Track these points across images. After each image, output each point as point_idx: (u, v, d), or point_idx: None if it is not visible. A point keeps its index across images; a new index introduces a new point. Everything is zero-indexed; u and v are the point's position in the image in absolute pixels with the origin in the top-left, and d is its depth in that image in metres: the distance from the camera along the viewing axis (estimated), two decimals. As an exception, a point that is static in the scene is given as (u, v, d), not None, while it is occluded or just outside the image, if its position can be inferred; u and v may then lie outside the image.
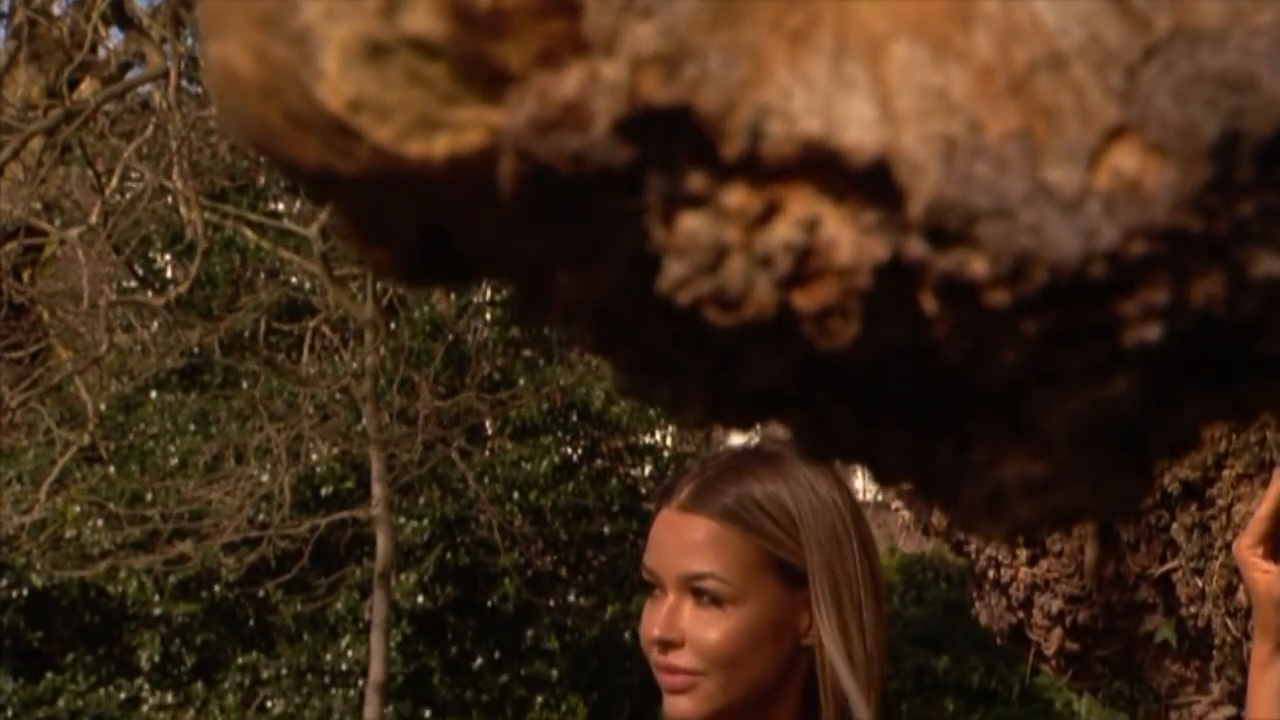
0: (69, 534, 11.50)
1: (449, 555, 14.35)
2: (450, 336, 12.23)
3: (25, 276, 7.94)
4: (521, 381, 13.46)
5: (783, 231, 0.39)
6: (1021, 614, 1.96)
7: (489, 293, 14.30)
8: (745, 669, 1.57)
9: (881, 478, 0.47)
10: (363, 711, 11.51)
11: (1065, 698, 14.99)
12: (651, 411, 16.03)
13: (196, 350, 10.93)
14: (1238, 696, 1.73)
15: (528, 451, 14.63)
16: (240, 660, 14.07)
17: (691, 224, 0.39)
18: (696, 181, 0.39)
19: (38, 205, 7.30)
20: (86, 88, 8.20)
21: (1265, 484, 1.69)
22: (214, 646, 14.12)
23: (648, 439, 16.13)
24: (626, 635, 15.17)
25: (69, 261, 9.37)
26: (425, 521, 13.97)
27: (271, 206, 12.69)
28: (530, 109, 0.39)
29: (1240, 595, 1.69)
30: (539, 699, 15.36)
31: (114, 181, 7.96)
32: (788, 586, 1.59)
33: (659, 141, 0.39)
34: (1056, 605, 1.90)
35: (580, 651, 15.65)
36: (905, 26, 0.38)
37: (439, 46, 0.38)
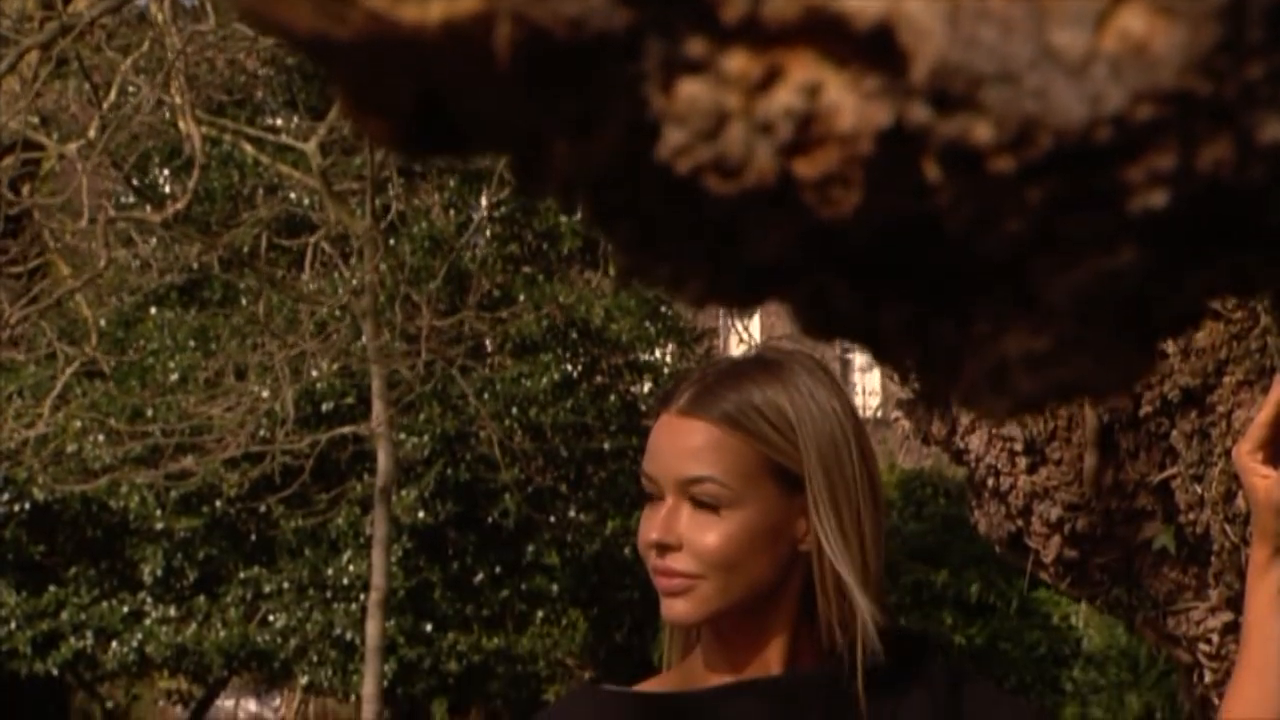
0: (70, 449, 11.52)
1: (449, 471, 14.39)
2: (450, 252, 12.20)
3: (24, 191, 7.91)
4: (521, 298, 13.45)
5: (783, 97, 0.38)
6: (1020, 522, 1.97)
7: (487, 209, 14.26)
8: (742, 573, 1.57)
9: (882, 356, 0.46)
10: (364, 625, 11.58)
11: (1063, 610, 15.08)
12: (651, 329, 16.03)
13: (196, 266, 10.91)
14: (1235, 602, 1.74)
15: (527, 368, 14.65)
16: (242, 575, 14.15)
17: (691, 90, 0.39)
18: (696, 46, 0.39)
19: (35, 119, 7.25)
20: (82, 1, 8.15)
21: (1265, 390, 1.68)
22: (216, 561, 14.20)
23: (647, 356, 16.15)
24: (626, 551, 15.25)
25: (67, 177, 9.34)
26: (426, 438, 14.00)
27: (270, 121, 12.63)
28: (526, -27, 0.38)
29: (1239, 501, 1.70)
30: (539, 613, 15.46)
31: (111, 95, 7.92)
32: (786, 492, 1.59)
33: (657, 5, 0.38)
34: (1055, 513, 1.90)
35: (580, 567, 15.74)
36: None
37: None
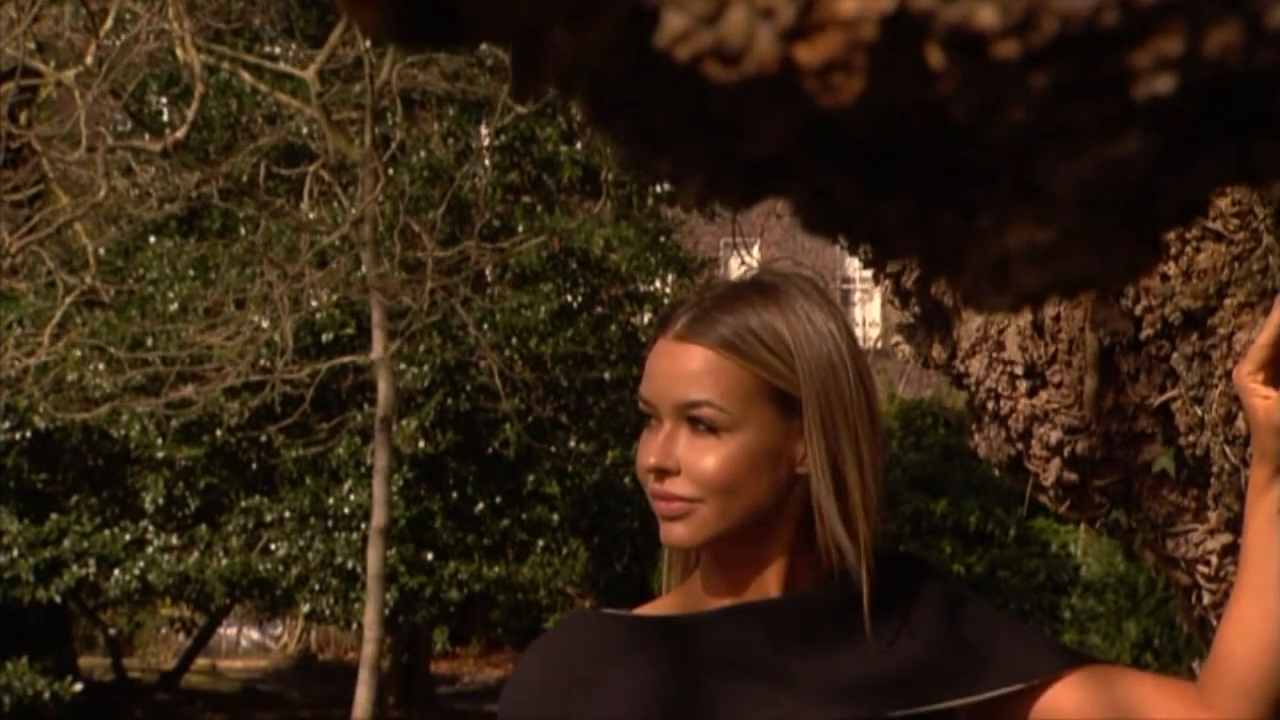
0: (71, 378, 11.53)
1: (449, 401, 14.42)
2: (450, 182, 12.16)
3: (21, 118, 7.86)
4: (521, 228, 13.42)
5: (786, -18, 0.38)
6: (1020, 445, 1.96)
7: (487, 138, 14.21)
8: (741, 496, 1.57)
9: (885, 252, 0.46)
10: (365, 554, 11.63)
11: (1061, 540, 15.14)
12: (651, 259, 16.01)
13: (195, 195, 10.87)
14: (1235, 524, 1.74)
15: (527, 298, 14.64)
16: (243, 503, 14.19)
17: (691, -26, 0.38)
18: (696, -70, 0.38)
19: (31, 45, 7.20)
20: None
21: (1266, 312, 1.68)
22: (217, 490, 14.25)
23: (647, 286, 16.13)
24: (627, 480, 15.30)
25: (64, 105, 9.29)
26: (426, 368, 14.01)
27: (268, 49, 12.56)
28: None
29: (1239, 423, 1.69)
30: (540, 543, 15.52)
31: (109, 23, 7.86)
32: (783, 415, 1.58)
33: (658, -113, 0.37)
34: (1055, 436, 1.90)
35: (581, 496, 15.79)
36: None
37: None
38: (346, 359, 11.48)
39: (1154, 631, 12.15)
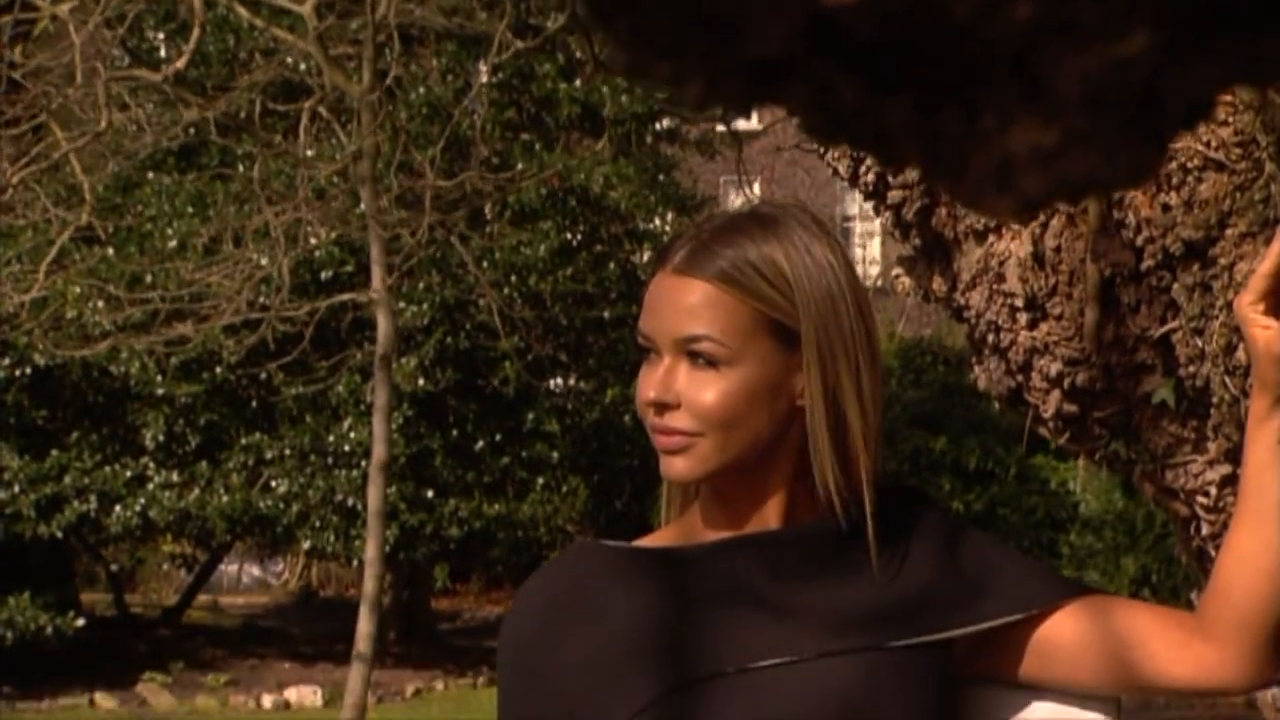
0: (70, 314, 11.53)
1: (449, 339, 14.42)
2: (448, 118, 12.11)
3: (18, 51, 7.82)
4: (520, 166, 13.38)
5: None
6: (1020, 378, 1.96)
7: (486, 75, 14.14)
8: (741, 430, 1.57)
9: (888, 157, 0.45)
10: (365, 491, 11.66)
11: (1060, 477, 15.19)
12: (651, 196, 15.97)
13: (193, 131, 10.83)
14: (1234, 455, 1.74)
15: (527, 236, 14.61)
16: (244, 441, 14.22)
17: None
18: None
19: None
20: None
21: (1268, 242, 1.67)
22: (217, 427, 14.27)
23: (647, 224, 16.11)
24: (626, 418, 15.32)
25: (62, 40, 9.22)
26: (425, 306, 14.01)
27: (265, -16, 12.47)
28: None
29: (1240, 353, 1.69)
30: (540, 480, 15.56)
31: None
32: (783, 348, 1.58)
33: None
34: (1055, 368, 1.90)
35: (580, 434, 15.82)
36: None
37: None
38: (345, 296, 11.47)
39: (1152, 567, 12.22)
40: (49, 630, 13.41)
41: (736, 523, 1.63)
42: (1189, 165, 1.73)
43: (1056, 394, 1.90)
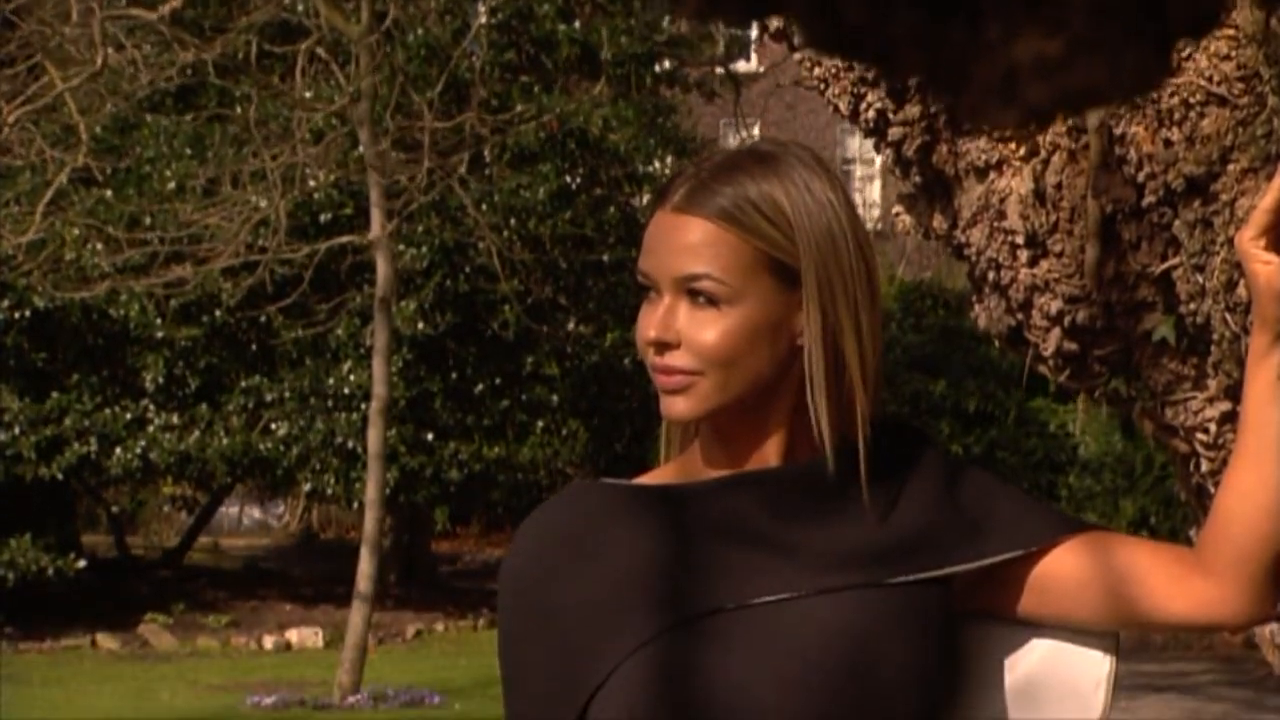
0: (68, 256, 11.52)
1: (449, 282, 14.40)
2: (447, 60, 12.06)
3: (13, -8, 7.79)
4: (519, 108, 13.32)
5: None
6: (1020, 316, 1.96)
7: (485, 16, 14.09)
8: (741, 369, 1.57)
9: (890, 71, 0.45)
10: (365, 434, 11.68)
11: (1060, 420, 15.23)
12: (650, 140, 15.92)
13: (190, 73, 10.78)
14: (1234, 391, 1.74)
15: (526, 179, 14.58)
16: (243, 383, 14.23)
17: None
18: None
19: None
20: None
21: (1270, 177, 1.67)
22: (217, 370, 14.28)
23: (646, 167, 16.07)
24: (626, 362, 15.33)
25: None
26: (424, 249, 13.99)
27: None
28: None
29: (1240, 290, 1.69)
30: (539, 423, 15.58)
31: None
32: (783, 286, 1.57)
33: None
34: (1056, 306, 1.89)
35: (580, 377, 15.83)
36: None
37: None
38: (345, 239, 11.45)
39: (1150, 509, 12.27)
40: (50, 572, 13.46)
41: (736, 461, 1.62)
42: (1191, 100, 1.72)
43: (1057, 332, 1.90)
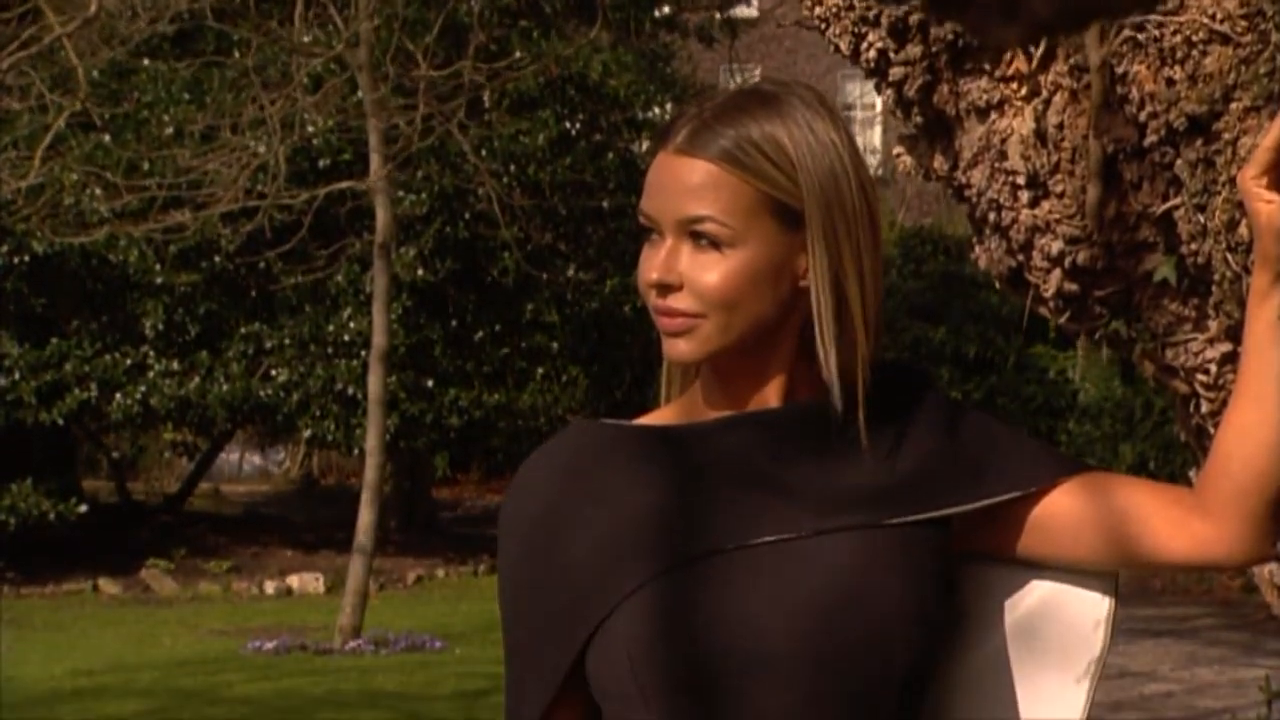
0: (67, 201, 11.50)
1: (448, 229, 14.39)
2: (445, 3, 12.00)
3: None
4: (518, 54, 13.27)
5: None
6: (1021, 257, 1.95)
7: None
8: (744, 311, 1.56)
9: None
10: (365, 381, 11.69)
11: (1059, 366, 15.25)
12: (650, 85, 15.85)
13: (188, 17, 10.73)
14: (1234, 332, 1.73)
15: (525, 125, 14.54)
16: (243, 330, 14.24)
17: None
18: None
19: None
20: None
21: (1272, 116, 1.66)
22: (217, 316, 14.28)
23: (645, 113, 16.02)
24: (626, 309, 15.32)
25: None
26: (424, 195, 13.96)
27: None
28: None
29: (1242, 229, 1.68)
30: (539, 370, 15.60)
31: None
32: (786, 228, 1.57)
33: None
34: (1056, 247, 1.89)
35: (580, 324, 15.83)
36: None
37: None
38: (344, 184, 11.43)
39: (1149, 455, 12.29)
40: (51, 517, 13.50)
41: (737, 402, 1.62)
42: (1194, 38, 1.71)
43: (1057, 273, 1.89)
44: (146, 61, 13.54)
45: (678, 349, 1.58)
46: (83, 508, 13.90)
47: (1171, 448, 11.80)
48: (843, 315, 1.59)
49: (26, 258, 13.25)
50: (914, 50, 1.94)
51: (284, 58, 11.71)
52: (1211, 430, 1.83)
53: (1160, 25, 1.73)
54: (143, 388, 14.01)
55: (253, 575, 14.82)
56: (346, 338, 14.09)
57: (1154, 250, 1.84)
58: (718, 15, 16.50)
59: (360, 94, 11.03)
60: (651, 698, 1.52)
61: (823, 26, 2.03)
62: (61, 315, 14.09)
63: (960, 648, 1.65)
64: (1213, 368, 1.83)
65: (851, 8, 1.97)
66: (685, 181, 1.57)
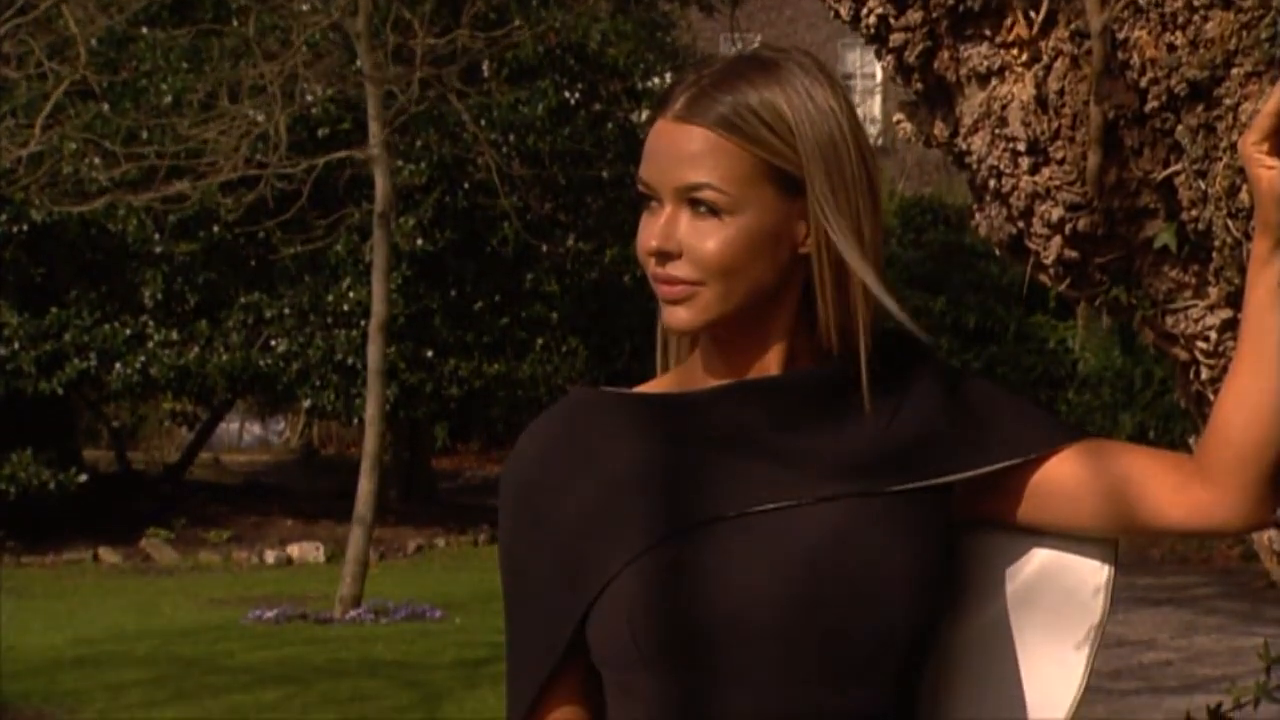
0: (66, 170, 11.48)
1: (448, 198, 14.38)
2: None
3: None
4: (516, 22, 13.24)
5: None
6: (1021, 224, 1.95)
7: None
8: (743, 278, 1.56)
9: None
10: (365, 351, 11.69)
11: (1059, 336, 15.25)
12: (650, 55, 15.82)
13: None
14: (1235, 299, 1.73)
15: (525, 94, 14.51)
16: (243, 299, 14.23)
17: None
18: None
19: None
20: None
21: (1274, 81, 1.66)
22: (216, 285, 14.28)
23: (645, 82, 16.00)
24: (626, 279, 15.32)
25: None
26: (423, 164, 13.95)
27: None
28: None
29: (1243, 195, 1.68)
30: (539, 340, 15.60)
31: None
32: (785, 195, 1.56)
33: None
34: (1057, 213, 1.88)
35: (580, 294, 15.83)
36: None
37: None
38: (343, 153, 11.41)
39: (1149, 424, 12.31)
40: (51, 486, 13.51)
41: (737, 370, 1.62)
42: (1195, 3, 1.70)
43: (1058, 240, 1.89)
44: (145, 30, 13.51)
45: (677, 317, 1.58)
46: (83, 477, 13.91)
47: (1171, 417, 11.82)
48: (843, 282, 1.59)
49: (25, 227, 13.23)
50: (914, 16, 1.93)
51: (283, 25, 11.69)
52: (1211, 397, 1.83)
53: (1162, -10, 1.72)
54: (142, 357, 14.01)
55: (253, 545, 14.85)
56: (346, 307, 14.09)
57: (1154, 217, 1.84)
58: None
59: (359, 62, 11.01)
60: (652, 662, 1.53)
61: (823, -9, 2.02)
62: (61, 285, 14.08)
63: (960, 614, 1.66)
64: (1213, 334, 1.83)
65: (852, -27, 1.96)
66: (684, 149, 1.57)
